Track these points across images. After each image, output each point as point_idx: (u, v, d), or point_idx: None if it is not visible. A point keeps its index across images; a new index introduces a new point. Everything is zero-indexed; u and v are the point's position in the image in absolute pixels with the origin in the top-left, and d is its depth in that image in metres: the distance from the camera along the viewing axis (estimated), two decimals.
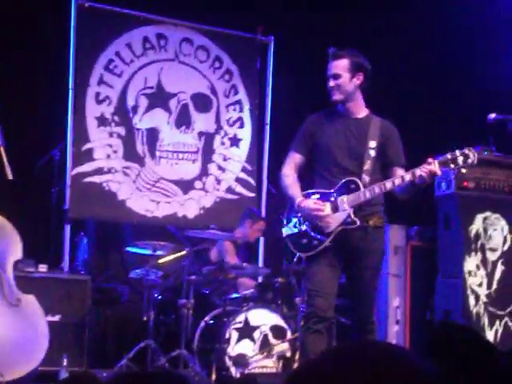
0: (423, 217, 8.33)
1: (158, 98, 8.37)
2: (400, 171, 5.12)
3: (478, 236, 7.61)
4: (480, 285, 7.52)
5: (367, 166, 5.09)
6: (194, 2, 8.54)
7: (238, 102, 8.82)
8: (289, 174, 5.25)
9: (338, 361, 1.70)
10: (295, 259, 6.97)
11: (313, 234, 5.08)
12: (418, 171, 4.86)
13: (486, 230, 7.66)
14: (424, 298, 8.01)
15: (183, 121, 8.47)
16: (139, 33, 8.37)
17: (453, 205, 7.66)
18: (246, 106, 8.84)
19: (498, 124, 5.53)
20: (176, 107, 8.43)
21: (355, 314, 5.28)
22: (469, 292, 7.47)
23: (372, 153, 5.12)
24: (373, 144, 5.14)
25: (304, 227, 5.12)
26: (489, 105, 6.32)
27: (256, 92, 8.93)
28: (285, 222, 5.27)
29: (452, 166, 4.93)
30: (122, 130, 8.20)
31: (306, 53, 8.69)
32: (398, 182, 4.97)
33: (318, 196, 5.13)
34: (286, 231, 5.25)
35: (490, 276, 7.59)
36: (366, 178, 5.06)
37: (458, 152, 4.91)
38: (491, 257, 7.64)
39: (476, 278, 7.53)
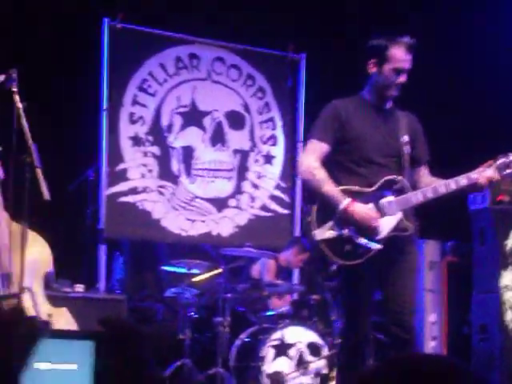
0: (458, 232, 8.28)
1: (192, 116, 8.40)
2: (426, 169, 4.84)
3: None
4: None
5: (406, 163, 4.71)
6: (225, 22, 8.58)
7: (271, 120, 8.84)
8: (318, 166, 4.61)
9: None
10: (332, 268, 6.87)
11: (359, 240, 4.52)
12: (475, 175, 4.59)
13: None
14: (460, 314, 7.96)
15: (218, 139, 8.50)
16: (172, 52, 8.42)
17: (488, 219, 7.62)
18: (279, 123, 8.86)
19: None
20: (210, 125, 8.46)
21: (396, 321, 4.70)
22: (506, 306, 7.41)
23: (407, 148, 4.73)
24: (406, 138, 4.75)
25: (347, 231, 4.53)
26: None
27: (288, 109, 8.95)
28: (315, 223, 4.55)
29: (508, 170, 4.67)
30: (156, 150, 8.24)
31: (337, 69, 8.70)
32: (453, 186, 4.61)
33: (358, 197, 4.57)
34: (319, 234, 4.56)
35: None
36: (407, 178, 4.71)
37: (505, 158, 4.69)
38: None
39: None
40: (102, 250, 7.85)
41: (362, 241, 4.52)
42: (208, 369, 6.83)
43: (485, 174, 4.60)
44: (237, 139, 8.61)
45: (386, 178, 4.64)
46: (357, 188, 4.59)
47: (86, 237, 7.84)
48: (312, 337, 6.82)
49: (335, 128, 4.66)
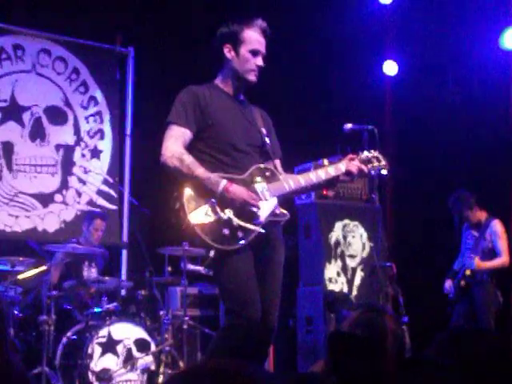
0: (284, 225, 8.42)
1: (11, 111, 8.20)
2: (279, 166, 4.66)
3: (337, 243, 7.78)
4: (340, 291, 7.67)
5: (269, 153, 4.56)
6: (53, 13, 8.39)
7: (98, 113, 8.73)
8: (185, 151, 4.33)
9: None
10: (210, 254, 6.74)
11: (239, 223, 4.23)
12: (343, 166, 4.54)
13: (345, 238, 7.83)
14: (286, 306, 8.10)
15: (37, 134, 8.32)
16: None
17: (313, 213, 7.80)
18: (107, 117, 8.77)
19: (354, 133, 5.62)
20: (29, 120, 8.27)
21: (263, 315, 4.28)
22: None
23: (267, 140, 4.57)
24: (264, 131, 4.60)
25: (225, 215, 4.23)
26: (345, 115, 6.46)
27: (116, 103, 8.86)
28: (186, 209, 4.21)
29: (370, 166, 4.67)
30: None
31: (167, 63, 8.68)
32: (324, 175, 4.53)
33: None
34: (194, 219, 4.19)
35: (350, 282, 7.76)
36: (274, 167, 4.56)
37: (368, 153, 4.72)
38: (351, 263, 7.82)
39: (336, 284, 7.68)
40: None
41: (242, 223, 4.24)
42: (33, 368, 6.66)
43: (353, 163, 4.58)
44: (58, 134, 8.45)
45: (257, 165, 4.46)
46: (227, 175, 4.32)
47: None
48: (139, 333, 6.78)
49: (196, 113, 4.42)
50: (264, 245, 4.39)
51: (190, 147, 4.42)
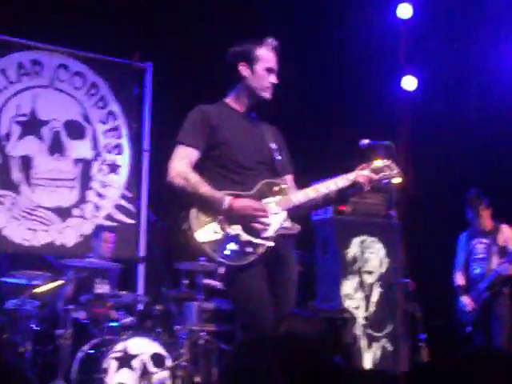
0: (301, 242, 8.40)
1: (31, 125, 8.25)
2: (292, 182, 4.68)
3: (355, 259, 7.74)
4: (357, 307, 7.63)
5: (278, 169, 4.56)
6: (70, 29, 8.44)
7: (117, 128, 8.76)
8: (190, 170, 4.34)
9: None
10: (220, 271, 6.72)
11: (248, 238, 4.24)
12: (352, 176, 4.53)
13: (362, 253, 7.80)
14: None
15: (56, 148, 8.36)
16: (13, 58, 8.25)
17: (330, 229, 7.77)
18: (125, 132, 8.79)
19: (371, 149, 5.60)
20: (48, 134, 8.31)
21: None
22: None
23: (277, 155, 4.57)
24: (274, 146, 4.60)
25: (232, 231, 4.24)
26: (362, 130, 6.45)
27: (134, 118, 8.89)
28: (194, 228, 4.22)
29: (382, 174, 4.65)
30: None
31: (185, 78, 8.70)
32: (333, 186, 4.52)
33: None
34: (202, 237, 4.21)
35: (367, 299, 7.72)
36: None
37: (381, 162, 4.69)
38: (368, 279, 7.78)
39: (353, 300, 7.64)
40: None
41: (251, 238, 4.24)
42: (49, 382, 6.67)
43: (362, 173, 4.57)
44: (77, 148, 8.48)
45: (265, 180, 4.45)
46: (234, 193, 4.32)
47: None
48: (156, 348, 6.75)
49: (205, 133, 4.44)
50: (276, 261, 4.37)
51: (199, 166, 4.43)
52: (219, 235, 4.23)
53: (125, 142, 8.78)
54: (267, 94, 4.59)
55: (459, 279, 7.87)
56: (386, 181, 4.82)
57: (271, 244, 4.29)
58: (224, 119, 4.53)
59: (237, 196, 4.31)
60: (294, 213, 4.48)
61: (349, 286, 7.66)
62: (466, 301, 7.71)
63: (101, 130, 8.64)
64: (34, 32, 8.26)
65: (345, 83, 8.95)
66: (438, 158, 8.95)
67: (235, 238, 4.24)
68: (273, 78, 4.59)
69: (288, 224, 4.41)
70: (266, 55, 4.59)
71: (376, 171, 4.66)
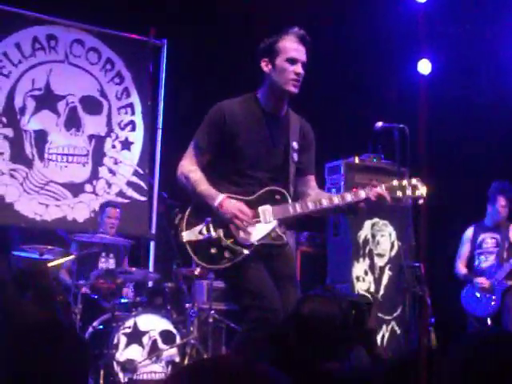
0: (313, 223, 8.40)
1: (46, 99, 8.24)
2: (313, 182, 4.60)
3: (366, 242, 7.74)
4: (368, 290, 7.64)
5: (291, 173, 4.48)
6: (87, 4, 8.40)
7: (130, 105, 8.75)
8: (195, 169, 4.38)
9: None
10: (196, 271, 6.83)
11: (227, 243, 4.25)
12: (363, 193, 4.32)
13: (374, 236, 7.79)
14: None
15: (73, 123, 8.37)
16: (29, 33, 8.24)
17: None
18: (139, 109, 8.78)
19: (384, 132, 5.57)
20: (64, 110, 8.31)
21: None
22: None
23: (295, 156, 4.48)
24: (295, 146, 4.50)
25: (215, 234, 4.27)
26: (376, 113, 6.43)
27: (149, 95, 8.88)
28: (184, 225, 4.31)
29: (399, 193, 4.43)
30: (9, 132, 8.04)
31: (200, 56, 8.66)
32: (337, 201, 4.35)
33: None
34: (187, 236, 4.30)
35: (377, 281, 7.72)
36: (291, 189, 4.47)
37: (405, 181, 4.47)
38: (379, 262, 7.77)
39: (364, 283, 7.64)
40: None
41: (230, 244, 4.25)
42: None
43: (375, 190, 4.35)
44: (92, 124, 8.48)
45: (268, 187, 4.39)
46: (234, 196, 4.32)
47: None
48: (165, 325, 6.79)
49: (218, 139, 4.38)
50: (272, 258, 4.37)
51: (210, 165, 4.44)
52: (202, 237, 4.28)
53: (138, 119, 8.77)
54: (290, 87, 4.40)
55: (462, 269, 7.83)
56: (410, 201, 4.80)
57: (247, 252, 4.25)
58: (241, 122, 4.43)
59: (234, 198, 4.32)
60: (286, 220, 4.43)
61: (360, 268, 7.66)
62: (484, 281, 7.59)
63: (115, 106, 8.63)
64: (48, 6, 8.24)
65: (362, 66, 8.91)
66: (452, 140, 8.91)
67: (216, 242, 4.27)
68: (297, 68, 4.39)
69: (277, 234, 4.37)
70: (288, 46, 4.42)
71: (392, 189, 4.43)
